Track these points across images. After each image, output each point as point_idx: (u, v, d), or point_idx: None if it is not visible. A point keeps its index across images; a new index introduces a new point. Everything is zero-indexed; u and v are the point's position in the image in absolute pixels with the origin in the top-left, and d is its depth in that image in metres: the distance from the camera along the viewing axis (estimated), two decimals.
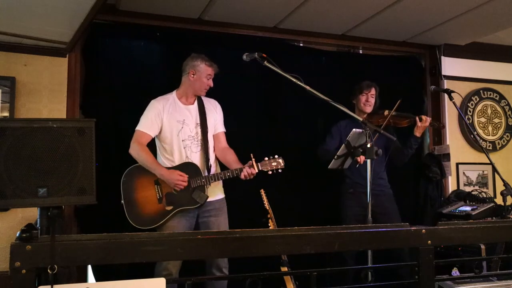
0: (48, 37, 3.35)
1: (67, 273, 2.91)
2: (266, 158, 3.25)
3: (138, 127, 3.23)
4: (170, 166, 3.20)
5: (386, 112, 3.80)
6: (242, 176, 3.16)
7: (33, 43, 3.48)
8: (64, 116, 3.64)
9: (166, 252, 1.67)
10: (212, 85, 3.33)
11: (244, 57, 2.92)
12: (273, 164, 3.25)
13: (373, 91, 3.88)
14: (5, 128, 1.58)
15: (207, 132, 3.29)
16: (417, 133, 3.76)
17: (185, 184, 3.11)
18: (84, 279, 3.51)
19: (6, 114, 3.46)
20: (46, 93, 3.60)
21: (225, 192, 3.40)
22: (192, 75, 3.27)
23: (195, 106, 3.32)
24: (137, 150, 3.15)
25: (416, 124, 3.73)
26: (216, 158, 3.38)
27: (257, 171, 3.18)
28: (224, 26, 4.16)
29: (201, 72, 3.28)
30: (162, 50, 4.02)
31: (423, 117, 3.73)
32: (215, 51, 4.16)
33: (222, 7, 3.82)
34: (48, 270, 1.51)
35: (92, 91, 3.80)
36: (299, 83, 2.80)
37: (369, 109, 3.88)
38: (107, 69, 3.86)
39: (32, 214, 3.39)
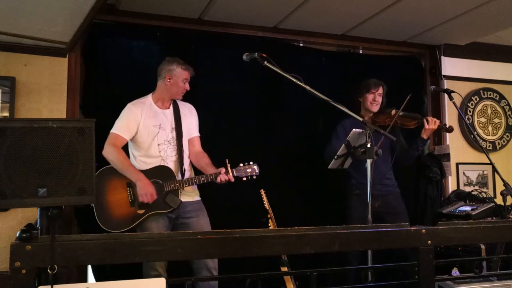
0: (48, 37, 3.35)
1: (67, 273, 2.91)
2: (241, 164, 3.24)
3: (113, 130, 3.20)
4: (144, 169, 3.17)
5: (393, 112, 3.72)
6: (218, 181, 3.14)
7: (33, 43, 3.47)
8: (64, 116, 3.64)
9: (166, 252, 1.67)
10: (188, 88, 3.32)
11: (244, 57, 2.91)
12: (247, 170, 3.23)
13: (380, 90, 3.82)
14: (5, 128, 1.58)
15: (182, 136, 3.29)
16: (424, 136, 3.68)
17: (150, 201, 3.07)
18: (84, 279, 3.51)
19: (6, 114, 3.46)
20: (46, 93, 3.60)
21: (224, 192, 3.40)
22: (169, 80, 3.26)
23: (170, 110, 3.32)
24: (112, 152, 3.12)
25: (424, 127, 3.65)
26: (191, 162, 3.37)
27: (233, 177, 3.17)
28: (224, 26, 4.16)
29: (178, 77, 3.26)
30: (162, 50, 4.02)
31: (432, 119, 3.64)
32: (215, 51, 4.17)
33: (222, 7, 3.82)
34: (48, 270, 1.51)
35: (92, 91, 3.80)
36: (299, 83, 2.80)
37: (376, 108, 3.81)
38: (107, 69, 3.86)
39: (32, 214, 3.39)
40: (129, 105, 3.27)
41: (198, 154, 3.37)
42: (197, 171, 3.37)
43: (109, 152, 3.13)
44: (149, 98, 3.32)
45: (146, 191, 3.06)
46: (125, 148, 3.28)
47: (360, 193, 3.71)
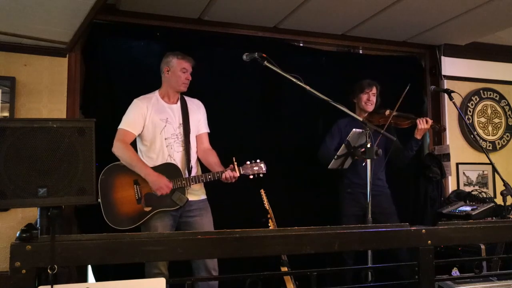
0: (48, 37, 3.35)
1: (67, 273, 2.91)
2: (248, 162, 3.22)
3: (121, 126, 3.19)
4: (151, 165, 3.15)
5: (387, 112, 3.75)
6: (223, 178, 3.13)
7: (33, 43, 3.47)
8: (64, 116, 3.64)
9: (166, 252, 1.67)
10: (190, 78, 3.31)
11: (244, 57, 2.91)
12: (254, 168, 3.21)
13: (374, 90, 3.85)
14: (5, 128, 1.58)
15: (189, 133, 3.27)
16: (418, 136, 3.71)
17: (167, 191, 3.07)
18: (84, 279, 3.51)
19: (6, 114, 3.46)
20: (46, 93, 3.60)
21: (224, 192, 3.39)
22: (167, 71, 3.28)
23: (178, 106, 3.30)
24: (121, 148, 3.11)
25: (417, 127, 3.68)
26: (198, 159, 3.35)
27: (239, 174, 3.15)
28: (224, 26, 4.16)
29: (175, 67, 3.26)
30: (162, 50, 4.01)
31: (424, 119, 3.68)
32: (215, 51, 4.17)
33: (222, 7, 3.82)
34: (48, 270, 1.51)
35: (92, 91, 3.80)
36: (299, 83, 2.80)
37: (370, 108, 3.84)
38: (107, 69, 3.86)
39: (32, 214, 3.39)
40: (135, 101, 3.26)
41: (206, 151, 3.34)
42: (204, 169, 3.35)
43: (118, 148, 3.12)
44: (155, 94, 3.32)
45: (159, 184, 3.05)
46: (134, 144, 3.27)
47: (352, 191, 3.75)
